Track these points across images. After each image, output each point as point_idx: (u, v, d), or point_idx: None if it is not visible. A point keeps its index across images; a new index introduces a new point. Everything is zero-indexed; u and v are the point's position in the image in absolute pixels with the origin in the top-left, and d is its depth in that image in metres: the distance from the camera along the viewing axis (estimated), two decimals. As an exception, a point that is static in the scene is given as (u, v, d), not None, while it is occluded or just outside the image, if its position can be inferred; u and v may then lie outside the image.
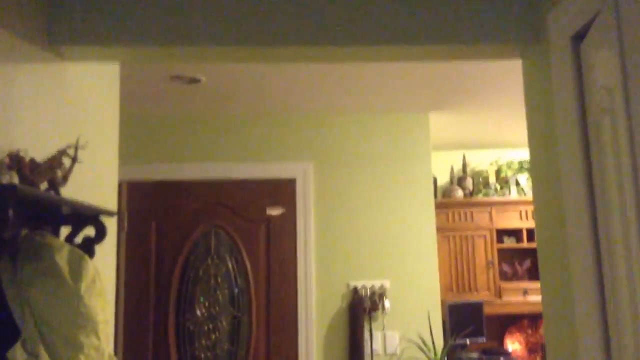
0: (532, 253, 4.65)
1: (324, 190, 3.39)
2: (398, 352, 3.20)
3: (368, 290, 3.26)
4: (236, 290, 3.28)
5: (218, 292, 3.27)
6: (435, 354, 3.04)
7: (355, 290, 3.26)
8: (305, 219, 3.34)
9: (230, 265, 3.31)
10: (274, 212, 3.36)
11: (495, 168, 4.80)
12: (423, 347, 3.09)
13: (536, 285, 4.38)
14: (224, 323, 3.24)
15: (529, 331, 4.55)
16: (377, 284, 3.27)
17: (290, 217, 3.35)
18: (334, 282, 3.30)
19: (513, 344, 4.50)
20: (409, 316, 3.25)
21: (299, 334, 3.20)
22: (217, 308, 3.25)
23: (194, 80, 2.68)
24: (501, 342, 4.56)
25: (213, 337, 3.21)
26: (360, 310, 3.20)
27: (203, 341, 3.20)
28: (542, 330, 4.53)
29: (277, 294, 3.25)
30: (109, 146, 2.05)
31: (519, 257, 4.68)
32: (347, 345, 3.18)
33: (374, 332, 3.21)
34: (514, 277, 4.61)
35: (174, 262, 3.28)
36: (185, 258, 3.30)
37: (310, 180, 3.38)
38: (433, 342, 3.08)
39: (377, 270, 3.30)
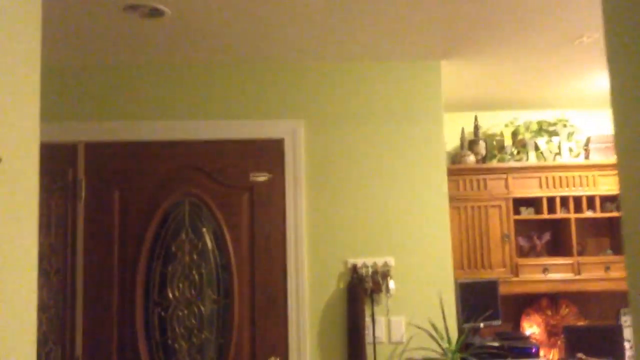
0: (552, 225, 4.27)
1: (317, 153, 2.99)
2: (404, 340, 2.84)
3: (369, 269, 2.88)
4: (215, 270, 2.89)
5: (194, 272, 2.88)
6: (449, 342, 2.68)
7: (354, 268, 2.88)
8: (296, 186, 2.94)
9: (208, 241, 2.92)
10: (259, 178, 2.95)
11: (512, 130, 4.39)
12: (434, 334, 2.73)
13: (557, 261, 4.02)
14: (202, 308, 2.86)
15: (549, 312, 4.21)
16: (380, 261, 2.89)
17: (277, 184, 2.94)
18: (329, 260, 2.91)
19: (530, 327, 4.16)
20: (417, 299, 2.87)
21: (289, 319, 2.83)
22: (193, 291, 2.86)
23: (155, 13, 2.24)
24: (517, 324, 4.22)
25: (189, 324, 2.84)
26: (360, 292, 2.83)
27: (177, 329, 2.83)
28: (563, 311, 4.19)
29: (263, 273, 2.87)
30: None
31: (538, 230, 4.32)
32: (345, 332, 2.82)
33: (376, 317, 2.84)
34: (532, 252, 4.25)
35: (141, 238, 2.88)
36: (155, 232, 2.90)
37: (301, 141, 2.97)
38: (446, 329, 2.71)
39: (380, 246, 2.92)
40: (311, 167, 2.98)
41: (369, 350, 2.78)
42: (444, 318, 2.73)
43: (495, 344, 3.13)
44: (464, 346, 2.94)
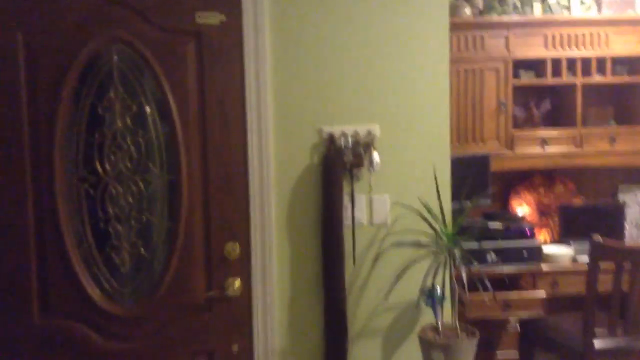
0: (554, 92, 3.88)
1: (286, -11, 2.41)
2: (389, 221, 2.48)
3: (349, 139, 2.44)
4: (156, 139, 2.40)
5: (129, 140, 2.39)
6: (444, 225, 2.34)
7: (331, 138, 2.44)
8: (257, 31, 2.39)
9: (144, 101, 2.39)
10: (209, 20, 2.38)
11: (515, -23, 3.83)
12: (427, 215, 2.37)
13: (555, 133, 3.69)
14: (141, 185, 2.40)
15: (541, 190, 3.95)
16: (362, 130, 2.45)
17: (233, 30, 2.38)
18: (300, 128, 2.45)
19: (520, 206, 3.91)
20: (405, 175, 2.48)
21: (251, 199, 2.41)
22: (128, 164, 2.39)
23: None
24: (505, 203, 3.96)
25: (124, 204, 2.39)
26: (338, 166, 2.41)
27: (110, 209, 2.39)
28: (557, 189, 3.94)
29: (217, 144, 2.40)
30: None
31: (537, 97, 3.93)
32: (320, 213, 2.44)
33: (356, 195, 2.46)
34: (528, 123, 3.89)
35: (55, 95, 2.33)
36: (74, 89, 2.35)
37: (264, -29, 2.38)
38: (441, 208, 2.36)
39: (362, 112, 2.46)
40: (278, 7, 2.41)
41: (346, 233, 2.43)
42: (439, 196, 2.36)
43: (498, 226, 2.84)
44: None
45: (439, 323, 2.29)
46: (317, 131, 2.45)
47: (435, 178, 2.40)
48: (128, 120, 2.37)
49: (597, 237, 2.77)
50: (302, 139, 2.45)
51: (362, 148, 2.44)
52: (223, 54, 2.38)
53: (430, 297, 2.32)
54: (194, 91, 2.38)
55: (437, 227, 2.35)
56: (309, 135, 2.45)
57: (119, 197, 2.38)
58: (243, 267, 2.41)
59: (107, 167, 2.37)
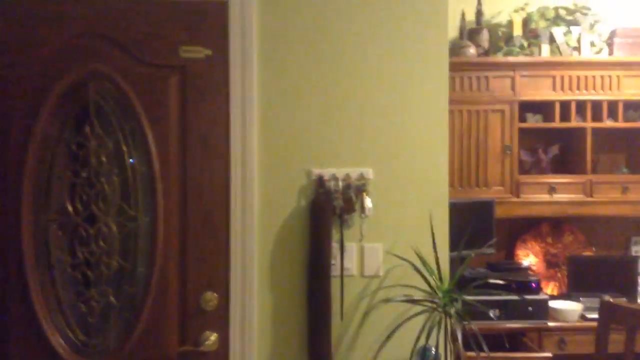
0: (562, 136, 3.74)
1: (275, 23, 2.31)
2: (381, 273, 2.32)
3: (340, 183, 2.30)
4: (132, 179, 2.27)
5: (102, 179, 2.25)
6: (440, 279, 2.16)
7: (320, 181, 2.30)
8: (244, 67, 2.28)
9: (121, 139, 2.27)
10: (193, 54, 2.27)
11: (522, 17, 3.74)
12: (421, 268, 2.20)
13: (564, 179, 3.53)
14: (113, 227, 2.25)
15: (549, 239, 3.76)
16: (354, 173, 2.31)
17: (219, 65, 2.27)
18: (288, 168, 2.31)
19: (526, 257, 3.72)
20: (399, 222, 2.32)
21: (232, 245, 2.26)
22: (101, 204, 2.25)
23: None
24: (510, 253, 3.77)
25: (95, 247, 2.24)
26: (327, 210, 2.26)
27: (79, 253, 2.24)
28: (566, 239, 3.75)
29: (197, 185, 2.26)
30: None
31: (544, 142, 3.79)
32: (306, 261, 2.28)
33: (346, 243, 2.30)
34: (535, 168, 3.74)
35: (28, 129, 2.21)
36: (47, 125, 2.23)
37: (253, 5, 2.28)
38: (437, 260, 2.19)
39: (354, 154, 2.32)
40: (266, 43, 2.30)
41: (335, 285, 2.26)
42: (434, 247, 2.20)
43: (500, 281, 2.66)
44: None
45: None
46: (305, 173, 2.31)
47: (432, 227, 2.24)
48: (103, 159, 2.24)
49: (607, 298, 2.58)
50: (289, 180, 2.31)
51: (353, 192, 2.30)
52: (208, 90, 2.27)
53: (423, 358, 2.13)
54: (175, 128, 2.26)
55: (431, 281, 2.18)
56: (297, 176, 2.31)
57: (90, 240, 2.23)
58: (221, 319, 2.24)
59: (79, 207, 2.23)
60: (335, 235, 2.27)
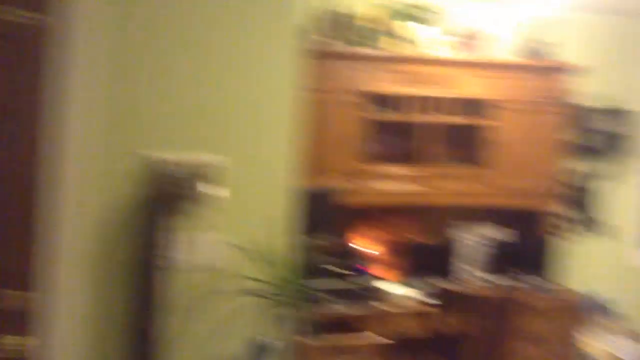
0: (403, 128, 3.92)
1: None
2: (221, 264, 2.24)
3: (180, 169, 2.18)
4: None
5: None
6: (283, 269, 2.15)
7: (156, 167, 2.15)
8: (77, 39, 2.05)
9: None
10: (23, 19, 2.00)
11: (365, 9, 3.84)
12: (262, 258, 2.17)
13: (399, 170, 3.71)
14: None
15: (384, 227, 3.95)
16: (193, 159, 2.20)
17: (41, 32, 2.02)
18: (119, 153, 2.14)
19: (364, 243, 3.88)
20: (242, 210, 2.26)
21: (43, 236, 2.02)
22: None
23: None
24: (346, 240, 3.90)
25: None
26: (161, 199, 2.13)
27: None
28: (399, 227, 3.97)
29: (5, 165, 2.00)
30: None
31: (386, 134, 3.94)
32: (140, 255, 2.13)
33: (185, 234, 2.19)
34: (377, 158, 3.88)
35: None
36: None
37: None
38: (276, 250, 2.17)
39: (196, 138, 2.22)
40: (106, 18, 2.10)
41: (171, 278, 2.15)
42: (277, 236, 2.18)
43: (338, 269, 2.72)
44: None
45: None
46: (139, 158, 2.15)
47: (274, 217, 2.22)
48: None
49: (437, 282, 2.76)
50: (119, 165, 2.14)
51: (192, 179, 2.19)
52: (14, 51, 1.99)
53: (258, 350, 2.11)
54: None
55: (271, 271, 2.15)
56: (129, 162, 2.15)
57: None
58: (31, 321, 2.01)
59: None
60: (170, 225, 2.16)
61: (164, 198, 2.12)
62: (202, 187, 2.17)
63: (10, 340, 1.94)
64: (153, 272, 2.06)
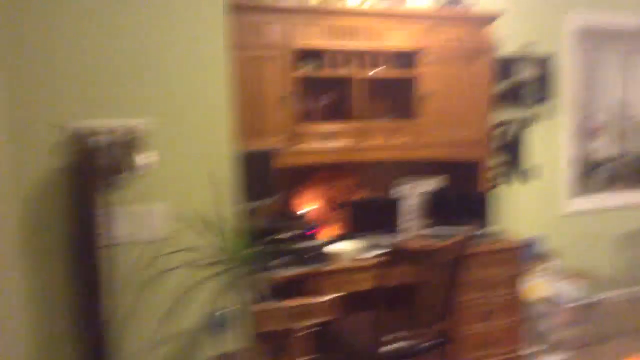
0: (335, 84, 3.83)
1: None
2: (162, 236, 2.11)
3: (105, 138, 2.00)
4: None
5: None
6: (226, 237, 2.03)
7: (80, 137, 1.97)
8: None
9: None
10: None
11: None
12: (206, 228, 2.05)
13: (335, 127, 3.64)
14: None
15: (325, 186, 3.89)
16: (121, 126, 2.03)
17: None
18: (37, 123, 1.94)
19: (305, 204, 3.81)
20: (180, 178, 2.13)
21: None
22: None
23: None
24: (288, 201, 3.82)
25: None
26: (89, 172, 1.95)
27: None
28: (341, 184, 3.92)
29: None
30: None
31: (317, 91, 3.84)
32: (68, 234, 1.96)
33: (118, 208, 2.03)
34: (310, 116, 3.79)
35: None
36: None
37: None
38: (223, 218, 2.05)
39: (122, 103, 2.04)
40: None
41: (110, 256, 1.99)
42: (217, 203, 2.05)
43: (286, 234, 2.62)
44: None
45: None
46: (60, 128, 1.96)
47: (215, 183, 2.08)
48: None
49: (378, 235, 2.73)
50: (39, 137, 1.95)
51: (122, 148, 2.02)
52: None
53: (215, 323, 2.01)
54: None
55: (217, 241, 2.04)
56: (50, 133, 1.95)
57: None
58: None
59: None
60: (102, 199, 1.99)
61: (95, 170, 1.94)
62: (134, 156, 2.00)
63: None
64: (94, 250, 1.89)
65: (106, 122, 2.00)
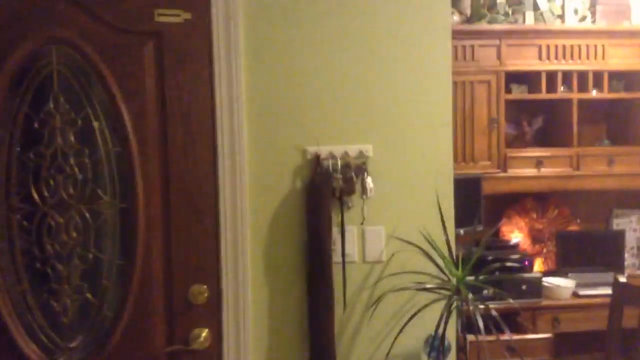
0: (547, 108, 3.68)
1: (264, -16, 2.10)
2: (385, 257, 2.18)
3: (338, 161, 2.13)
4: (106, 160, 2.03)
5: (72, 161, 2.01)
6: (452, 262, 2.04)
7: (317, 160, 2.12)
8: (229, 33, 2.06)
9: (91, 114, 2.02)
10: (171, 18, 2.04)
11: (505, -17, 3.63)
12: (430, 251, 2.08)
13: (550, 152, 3.47)
14: (87, 215, 2.02)
15: (534, 215, 3.72)
16: (353, 150, 2.14)
17: (200, 30, 2.05)
18: (281, 147, 2.13)
19: (511, 233, 3.67)
20: (404, 202, 2.18)
21: (222, 233, 2.07)
22: (71, 190, 2.01)
23: None
24: (496, 230, 3.71)
25: (66, 238, 2.01)
26: (325, 192, 2.09)
27: (48, 245, 1.99)
28: (551, 214, 3.72)
29: (181, 167, 2.05)
30: None
31: (528, 114, 3.72)
32: (304, 248, 2.11)
33: (347, 227, 2.14)
34: (519, 141, 3.68)
35: (-20, 107, 1.94)
36: (4, 98, 1.96)
37: (239, -38, 2.06)
38: (448, 243, 2.07)
39: (353, 129, 2.16)
40: (253, 6, 2.10)
41: (336, 272, 2.11)
42: (444, 228, 2.07)
43: (509, 262, 2.57)
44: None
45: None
46: (300, 152, 2.13)
47: (439, 206, 2.11)
48: (71, 137, 2.00)
49: (621, 278, 2.53)
50: (282, 160, 2.13)
51: (353, 171, 2.14)
52: (188, 59, 2.05)
53: (434, 348, 2.02)
54: (152, 102, 2.03)
55: (442, 265, 2.05)
56: (291, 156, 2.13)
57: (60, 230, 1.99)
58: (212, 314, 2.06)
59: (45, 194, 1.99)
60: (334, 218, 2.11)
61: (327, 191, 2.07)
62: (365, 178, 2.10)
63: (197, 332, 2.00)
64: (327, 265, 2.03)
65: (340, 148, 2.12)
